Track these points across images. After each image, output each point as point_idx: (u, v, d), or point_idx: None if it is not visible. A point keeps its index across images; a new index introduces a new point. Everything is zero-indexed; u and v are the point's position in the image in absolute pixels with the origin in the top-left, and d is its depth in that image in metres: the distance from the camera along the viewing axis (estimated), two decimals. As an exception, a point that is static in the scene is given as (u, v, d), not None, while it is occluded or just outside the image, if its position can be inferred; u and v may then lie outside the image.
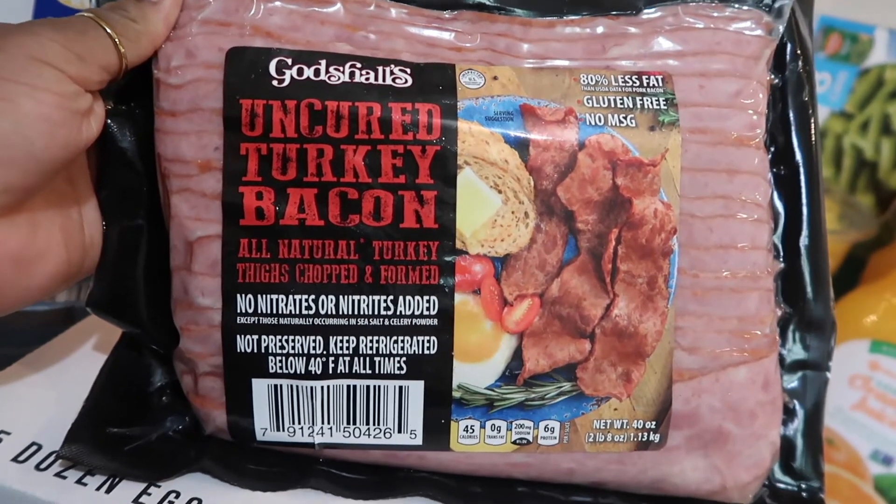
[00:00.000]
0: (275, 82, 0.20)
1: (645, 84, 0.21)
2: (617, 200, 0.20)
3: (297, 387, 0.21)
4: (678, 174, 0.21)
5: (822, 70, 0.55)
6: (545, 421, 0.21)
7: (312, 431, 0.21)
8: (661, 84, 0.21)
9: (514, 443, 0.22)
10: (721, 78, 0.21)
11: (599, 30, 0.22)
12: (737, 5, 0.22)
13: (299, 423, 0.21)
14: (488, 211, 0.20)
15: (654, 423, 0.21)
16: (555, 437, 0.21)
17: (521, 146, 0.20)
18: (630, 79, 0.21)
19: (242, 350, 0.21)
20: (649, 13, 0.22)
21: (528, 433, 0.21)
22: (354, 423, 0.21)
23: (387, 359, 0.21)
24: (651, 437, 0.21)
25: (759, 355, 0.22)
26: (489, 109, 0.20)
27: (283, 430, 0.21)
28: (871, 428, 0.40)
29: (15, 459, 0.22)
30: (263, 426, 0.21)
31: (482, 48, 0.21)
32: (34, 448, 0.22)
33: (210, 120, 0.21)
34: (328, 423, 0.21)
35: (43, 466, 0.22)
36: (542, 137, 0.20)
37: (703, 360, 0.22)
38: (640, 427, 0.21)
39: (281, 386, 0.21)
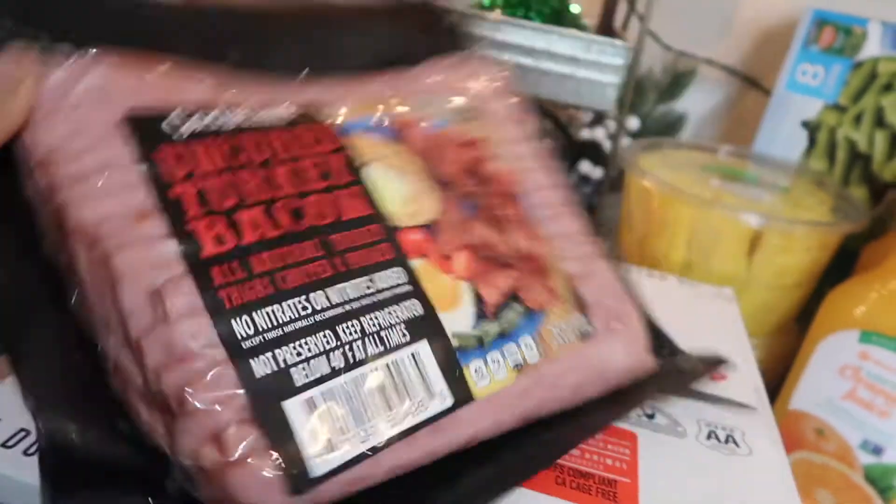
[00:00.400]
0: (182, 129, 0.22)
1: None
2: (475, 168, 0.27)
3: (330, 390, 0.20)
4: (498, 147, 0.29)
5: (816, 63, 0.55)
6: (522, 338, 0.25)
7: (363, 436, 0.20)
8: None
9: (514, 368, 0.24)
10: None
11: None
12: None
13: (347, 431, 0.20)
14: (403, 192, 0.25)
15: (583, 315, 0.27)
16: (535, 351, 0.25)
17: (400, 141, 0.26)
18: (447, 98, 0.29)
19: (262, 374, 0.19)
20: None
21: (517, 354, 0.24)
22: (392, 407, 0.21)
23: (390, 330, 0.22)
24: (587, 328, 0.27)
25: (603, 253, 0.30)
26: (363, 124, 0.26)
27: (335, 449, 0.19)
28: (861, 418, 0.40)
29: (3, 445, 0.22)
30: (313, 452, 0.19)
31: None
32: (22, 434, 0.23)
33: (128, 173, 0.20)
34: (371, 417, 0.20)
35: (30, 452, 0.22)
36: (409, 133, 0.26)
37: (579, 264, 0.28)
38: (577, 322, 0.26)
39: (314, 397, 0.20)
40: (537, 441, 0.25)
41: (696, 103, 0.71)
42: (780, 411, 0.45)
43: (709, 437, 0.29)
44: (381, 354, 0.21)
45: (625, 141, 0.67)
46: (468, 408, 0.22)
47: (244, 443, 0.19)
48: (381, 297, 0.22)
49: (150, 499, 0.19)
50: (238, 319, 0.20)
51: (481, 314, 0.24)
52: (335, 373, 0.20)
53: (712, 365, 0.32)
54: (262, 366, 0.19)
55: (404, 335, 0.22)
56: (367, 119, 0.26)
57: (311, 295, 0.21)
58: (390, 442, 0.21)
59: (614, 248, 0.56)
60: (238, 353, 0.19)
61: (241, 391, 0.19)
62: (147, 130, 0.21)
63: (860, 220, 0.46)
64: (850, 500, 0.42)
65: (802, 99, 0.55)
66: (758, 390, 0.33)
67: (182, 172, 0.21)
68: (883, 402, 0.40)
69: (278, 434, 0.19)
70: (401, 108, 0.27)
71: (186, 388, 0.19)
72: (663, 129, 0.71)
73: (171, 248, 0.20)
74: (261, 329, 0.20)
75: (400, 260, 0.23)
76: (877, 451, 0.40)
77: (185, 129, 0.22)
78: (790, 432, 0.44)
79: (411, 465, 0.21)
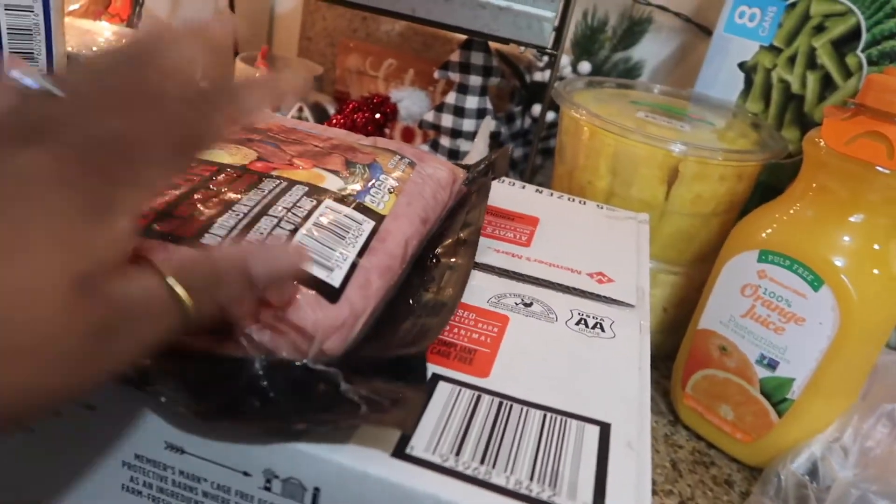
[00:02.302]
0: None
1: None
2: (265, 128, 0.37)
3: (300, 240, 0.27)
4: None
5: (753, 5, 0.56)
6: (378, 177, 0.33)
7: (340, 257, 0.27)
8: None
9: (390, 192, 0.33)
10: None
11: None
12: None
13: (329, 258, 0.27)
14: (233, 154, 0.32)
15: (398, 156, 0.37)
16: (392, 179, 0.34)
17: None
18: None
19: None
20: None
21: (384, 183, 0.33)
22: (343, 237, 0.28)
23: (300, 203, 0.28)
24: (408, 160, 0.37)
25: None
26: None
27: (334, 269, 0.26)
28: (758, 334, 0.43)
29: None
30: (324, 275, 0.26)
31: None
32: None
33: None
34: (334, 247, 0.27)
35: None
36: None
37: (366, 140, 0.39)
38: (399, 160, 0.36)
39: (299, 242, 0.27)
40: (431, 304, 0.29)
41: (652, 51, 0.72)
42: (691, 331, 0.47)
43: (578, 323, 0.31)
44: (309, 214, 0.28)
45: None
46: (386, 221, 0.30)
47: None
48: (273, 194, 0.29)
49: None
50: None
51: (341, 177, 0.31)
52: (292, 233, 0.26)
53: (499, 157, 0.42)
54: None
55: (312, 202, 0.29)
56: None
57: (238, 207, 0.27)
58: (360, 254, 0.27)
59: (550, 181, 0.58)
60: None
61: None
62: None
63: (775, 152, 0.48)
64: (748, 413, 0.44)
65: (740, 41, 0.57)
66: (641, 293, 0.35)
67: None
68: (778, 318, 0.42)
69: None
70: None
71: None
72: (620, 77, 0.73)
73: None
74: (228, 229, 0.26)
75: (261, 175, 0.30)
76: (772, 365, 0.42)
77: None
78: (698, 351, 0.46)
79: (388, 271, 0.28)
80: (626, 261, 0.39)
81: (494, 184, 0.47)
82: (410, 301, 0.29)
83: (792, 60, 0.55)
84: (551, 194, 0.47)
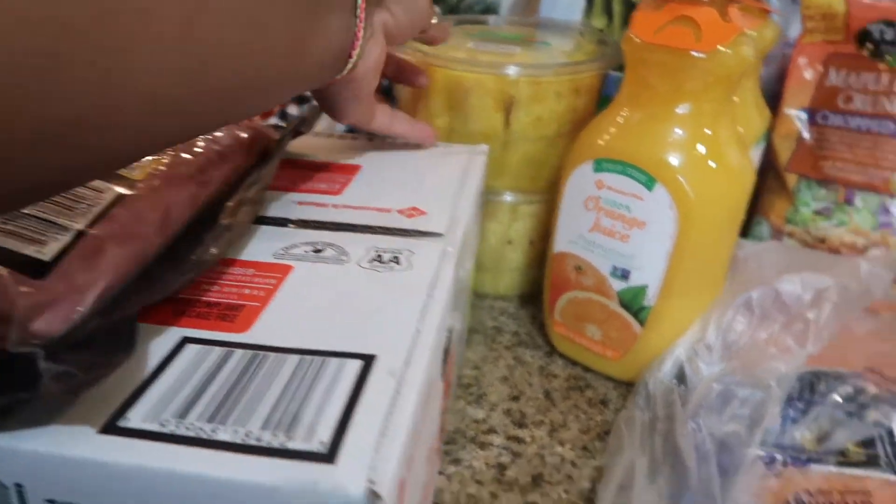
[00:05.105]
0: None
1: None
2: None
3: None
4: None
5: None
6: None
7: (62, 226, 0.25)
8: None
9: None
10: None
11: None
12: None
13: (45, 232, 0.25)
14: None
15: None
16: None
17: None
18: None
19: None
20: None
21: None
22: (70, 209, 0.26)
23: None
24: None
25: None
26: None
27: (46, 244, 0.24)
28: (607, 246, 0.41)
29: None
30: (30, 251, 0.24)
31: None
32: None
33: None
34: (56, 219, 0.25)
35: None
36: None
37: None
38: None
39: None
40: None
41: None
42: (549, 257, 0.45)
43: (372, 260, 0.29)
44: None
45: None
46: (139, 188, 0.28)
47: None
48: None
49: None
50: None
51: None
52: None
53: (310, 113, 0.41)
54: None
55: None
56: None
57: None
58: (94, 223, 0.25)
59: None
60: None
61: None
62: None
63: (607, 61, 0.46)
64: (613, 329, 0.43)
65: (572, -44, 0.55)
66: (454, 221, 0.33)
67: None
68: (621, 226, 0.40)
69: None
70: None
71: None
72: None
73: None
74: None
75: None
76: (624, 275, 0.41)
77: None
78: (557, 275, 0.45)
79: (132, 239, 0.26)
80: (446, 193, 0.37)
81: (326, 139, 0.45)
82: (169, 267, 0.26)
83: (626, -32, 0.53)
84: (384, 140, 0.44)
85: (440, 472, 0.37)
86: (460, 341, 0.40)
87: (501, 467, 0.37)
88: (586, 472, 0.37)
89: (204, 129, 0.24)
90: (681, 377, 0.40)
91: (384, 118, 0.40)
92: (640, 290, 0.41)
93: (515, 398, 0.43)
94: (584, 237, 0.42)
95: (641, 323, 0.42)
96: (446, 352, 0.31)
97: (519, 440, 0.39)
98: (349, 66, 0.31)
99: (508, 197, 0.49)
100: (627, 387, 0.44)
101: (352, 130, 0.48)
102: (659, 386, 0.40)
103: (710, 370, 0.40)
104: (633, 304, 0.41)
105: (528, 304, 0.52)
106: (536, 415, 0.41)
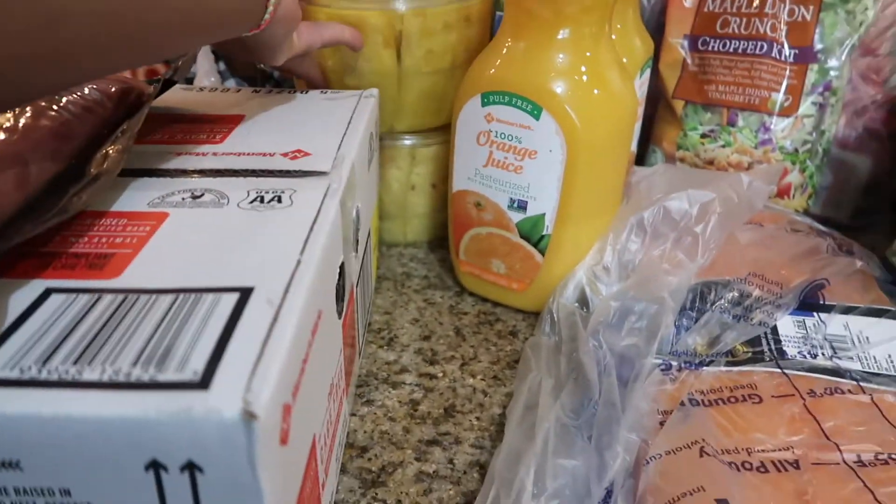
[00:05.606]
0: None
1: None
2: None
3: None
4: None
5: None
6: None
7: None
8: None
9: None
10: None
11: None
12: None
13: None
14: None
15: None
16: None
17: None
18: None
19: None
20: None
21: None
22: None
23: None
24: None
25: None
26: None
27: None
28: (502, 179, 0.42)
29: None
30: None
31: None
32: None
33: None
34: None
35: None
36: None
37: None
38: None
39: None
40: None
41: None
42: (450, 197, 0.46)
43: (253, 201, 0.29)
44: None
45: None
46: None
47: None
48: None
49: None
50: None
51: None
52: None
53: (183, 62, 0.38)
54: None
55: None
56: None
57: None
58: None
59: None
60: None
61: None
62: None
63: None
64: (516, 261, 0.44)
65: None
66: (340, 159, 0.33)
67: None
68: (514, 158, 0.41)
69: None
70: None
71: None
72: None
73: None
74: None
75: None
76: (521, 206, 0.42)
77: None
78: (459, 214, 0.45)
79: None
80: (333, 134, 0.36)
81: (210, 93, 0.43)
82: (30, 217, 0.25)
83: None
84: (269, 90, 0.43)
85: (353, 414, 0.37)
86: (364, 284, 0.40)
87: (414, 403, 0.38)
88: (497, 399, 0.38)
89: (123, 68, 0.25)
90: (583, 300, 0.42)
91: (312, 35, 0.41)
92: (539, 220, 0.42)
93: (426, 338, 0.43)
94: (480, 172, 0.43)
95: (542, 252, 0.43)
96: (341, 289, 0.30)
97: (431, 376, 0.40)
98: (269, 8, 0.32)
99: (407, 140, 0.49)
100: (535, 317, 0.45)
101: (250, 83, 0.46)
102: (562, 310, 0.41)
103: (610, 290, 0.41)
104: (533, 234, 0.42)
105: (438, 248, 0.52)
106: (447, 351, 0.42)
